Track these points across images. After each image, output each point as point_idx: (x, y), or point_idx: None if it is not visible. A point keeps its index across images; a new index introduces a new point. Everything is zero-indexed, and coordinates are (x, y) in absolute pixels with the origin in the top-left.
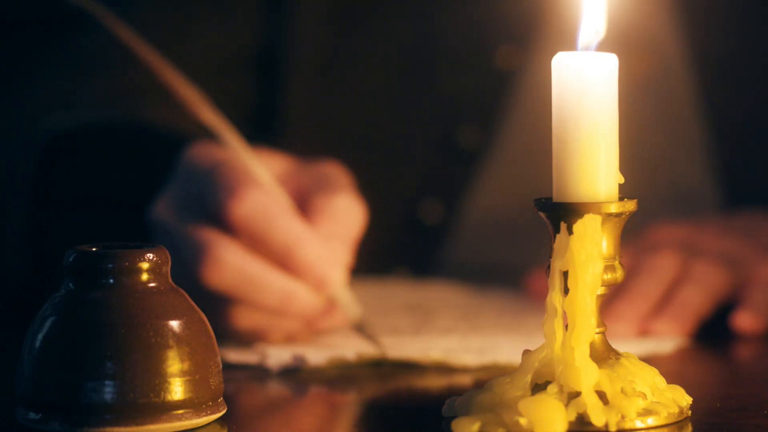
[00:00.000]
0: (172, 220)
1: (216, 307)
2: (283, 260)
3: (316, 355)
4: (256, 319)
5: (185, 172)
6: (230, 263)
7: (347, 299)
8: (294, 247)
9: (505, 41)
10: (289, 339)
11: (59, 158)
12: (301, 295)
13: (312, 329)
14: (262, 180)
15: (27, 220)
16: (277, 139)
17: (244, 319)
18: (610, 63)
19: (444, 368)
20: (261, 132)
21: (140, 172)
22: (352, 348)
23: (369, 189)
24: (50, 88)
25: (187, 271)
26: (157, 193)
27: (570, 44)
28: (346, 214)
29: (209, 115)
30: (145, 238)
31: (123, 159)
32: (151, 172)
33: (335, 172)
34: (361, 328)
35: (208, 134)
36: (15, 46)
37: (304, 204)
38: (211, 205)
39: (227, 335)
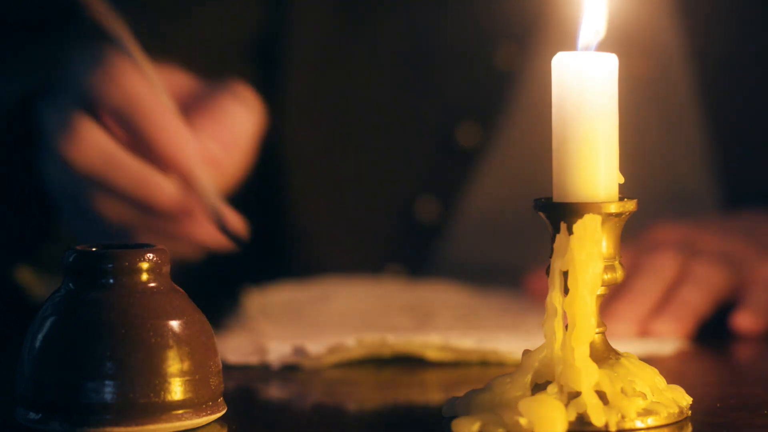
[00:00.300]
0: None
1: (87, 197)
2: (146, 148)
3: (316, 346)
4: (121, 211)
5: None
6: (93, 141)
7: (210, 195)
8: (158, 136)
9: (504, 40)
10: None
11: None
12: (158, 182)
13: (179, 232)
14: (148, 74)
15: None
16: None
17: (109, 208)
18: (610, 63)
19: (444, 362)
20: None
21: None
22: (352, 336)
23: (366, 185)
24: None
25: (55, 156)
26: None
27: (570, 44)
28: (232, 118)
29: (112, 20)
30: None
31: None
32: None
33: (236, 85)
34: (218, 221)
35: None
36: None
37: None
38: (81, 87)
39: (102, 227)
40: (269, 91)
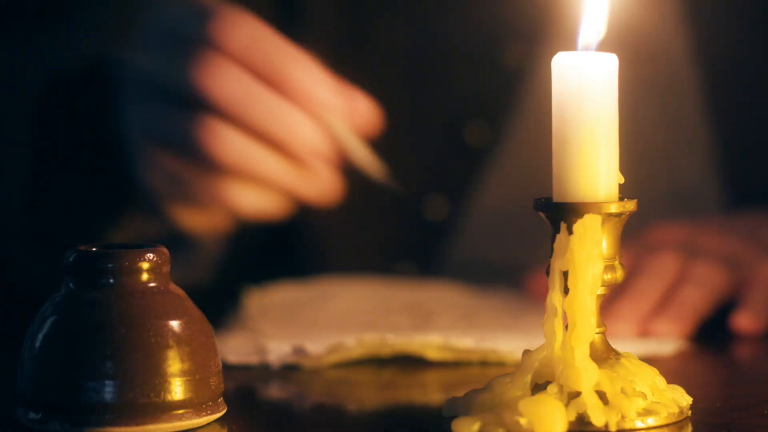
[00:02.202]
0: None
1: (199, 130)
2: (275, 81)
3: (316, 345)
4: (242, 149)
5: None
6: (231, 73)
7: (357, 145)
8: (289, 69)
9: (513, 39)
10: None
11: (59, 103)
12: (304, 128)
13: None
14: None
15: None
16: None
17: (228, 146)
18: (610, 63)
19: (444, 362)
20: None
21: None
22: (351, 336)
23: (374, 183)
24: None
25: (185, 84)
26: None
27: (576, 43)
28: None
29: None
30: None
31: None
32: None
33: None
34: (382, 177)
35: None
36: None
37: None
38: (198, 33)
39: (208, 166)
40: None
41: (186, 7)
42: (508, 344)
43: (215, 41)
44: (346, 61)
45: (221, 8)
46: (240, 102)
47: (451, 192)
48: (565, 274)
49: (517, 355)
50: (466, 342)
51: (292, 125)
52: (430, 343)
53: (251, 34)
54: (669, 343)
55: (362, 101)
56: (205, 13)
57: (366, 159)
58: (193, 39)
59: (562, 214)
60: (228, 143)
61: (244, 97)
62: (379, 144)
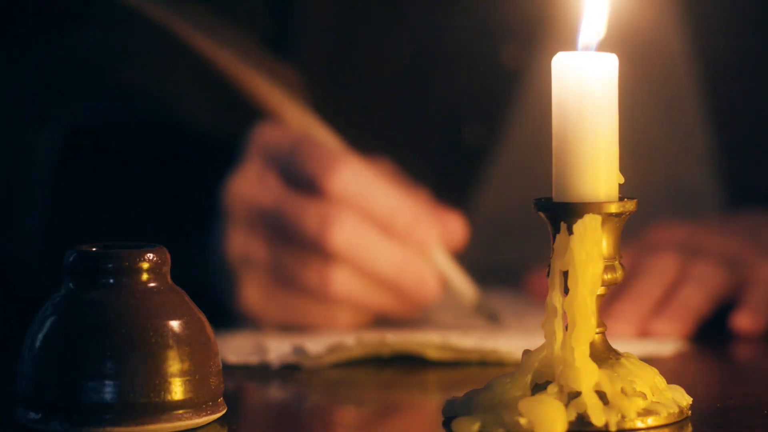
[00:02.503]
0: (267, 196)
1: (313, 272)
2: (383, 227)
3: (316, 345)
4: (353, 286)
5: (262, 151)
6: (355, 228)
7: (457, 275)
8: (395, 213)
9: (510, 40)
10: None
11: (81, 152)
12: (415, 267)
13: (405, 308)
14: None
15: (45, 218)
16: None
17: (342, 283)
18: (610, 63)
19: (443, 361)
20: None
21: (178, 161)
22: (351, 335)
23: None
24: (55, 80)
25: (299, 238)
26: (214, 178)
27: (574, 43)
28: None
29: (279, 96)
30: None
31: (156, 150)
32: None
33: (394, 170)
34: (480, 307)
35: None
36: (17, 37)
37: None
38: (304, 179)
39: (310, 309)
40: None
41: (296, 156)
42: (508, 344)
43: (321, 189)
44: (344, 63)
45: (327, 156)
46: (356, 254)
47: (449, 194)
48: (565, 274)
49: (517, 355)
50: (466, 342)
51: (407, 269)
52: (430, 342)
53: (355, 180)
54: (669, 343)
55: (455, 221)
56: (313, 163)
57: (462, 285)
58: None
59: (562, 214)
60: (345, 283)
61: (360, 249)
62: (378, 146)
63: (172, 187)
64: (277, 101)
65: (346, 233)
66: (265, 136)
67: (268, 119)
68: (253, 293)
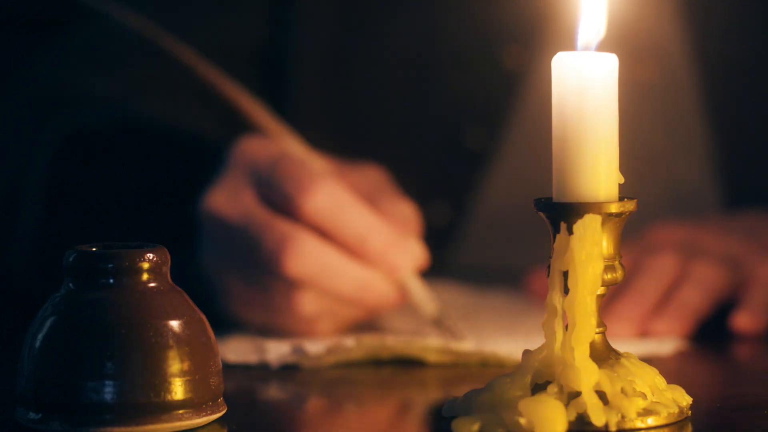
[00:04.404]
0: (236, 212)
1: (279, 294)
2: (355, 249)
3: (315, 345)
4: (321, 305)
5: (242, 165)
6: (311, 253)
7: (420, 291)
8: (367, 236)
9: (511, 42)
10: (342, 328)
11: (75, 158)
12: (377, 285)
13: (371, 316)
14: (324, 172)
15: (39, 223)
16: None
17: (309, 304)
18: (610, 63)
19: (443, 364)
20: None
21: (164, 170)
22: (350, 336)
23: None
24: (54, 83)
25: (258, 259)
26: (197, 188)
27: (574, 44)
28: (411, 220)
29: (259, 111)
30: (171, 236)
31: (143, 158)
32: (177, 170)
33: (383, 178)
34: (438, 321)
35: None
36: (15, 41)
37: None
38: (280, 197)
39: (286, 322)
40: (276, 99)
41: (273, 173)
42: (507, 347)
43: (294, 208)
44: (345, 65)
45: (304, 175)
46: (317, 276)
47: (451, 197)
48: (565, 274)
49: (517, 357)
50: (466, 345)
51: (369, 290)
52: (430, 345)
53: (329, 200)
54: (669, 343)
55: (416, 246)
56: (289, 181)
57: (424, 299)
58: (274, 204)
59: (562, 214)
60: (311, 303)
61: (321, 271)
62: (378, 149)
63: (161, 196)
64: (259, 115)
65: (303, 257)
66: (249, 149)
67: (255, 132)
68: (232, 304)
